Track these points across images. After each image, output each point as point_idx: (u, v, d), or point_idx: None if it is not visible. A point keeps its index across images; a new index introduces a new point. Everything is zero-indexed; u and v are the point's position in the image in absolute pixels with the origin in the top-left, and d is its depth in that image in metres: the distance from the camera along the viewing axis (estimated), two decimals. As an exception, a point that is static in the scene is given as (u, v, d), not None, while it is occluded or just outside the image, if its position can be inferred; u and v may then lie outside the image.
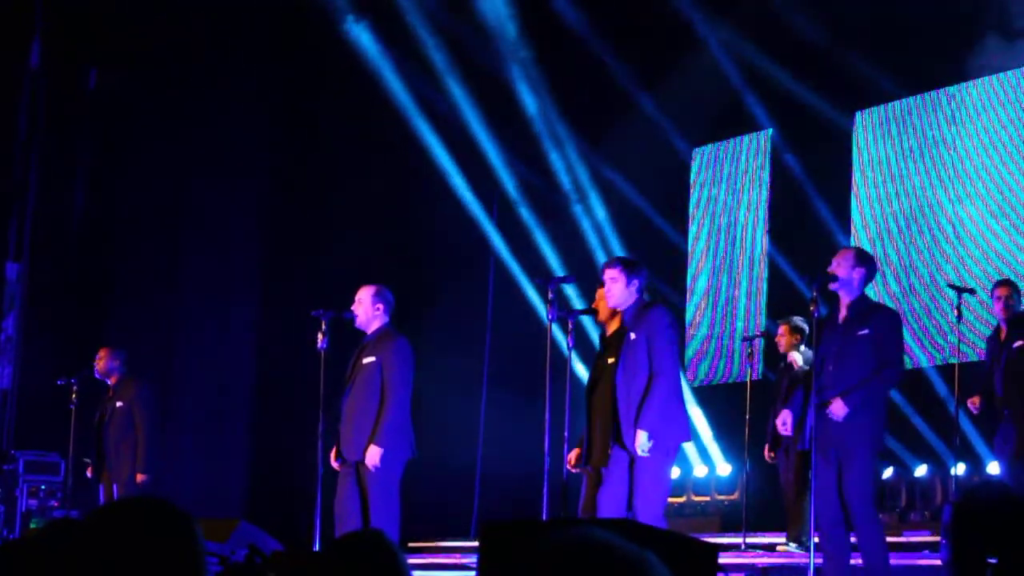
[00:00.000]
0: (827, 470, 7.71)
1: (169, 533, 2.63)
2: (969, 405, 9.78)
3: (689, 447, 14.65)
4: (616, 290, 7.96)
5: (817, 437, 7.71)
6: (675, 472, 14.37)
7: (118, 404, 11.51)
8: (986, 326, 11.94)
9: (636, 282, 7.96)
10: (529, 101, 15.24)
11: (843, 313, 7.86)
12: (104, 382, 11.78)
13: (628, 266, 8.04)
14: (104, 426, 11.53)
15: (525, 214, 15.56)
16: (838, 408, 7.59)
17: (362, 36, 15.26)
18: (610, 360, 7.93)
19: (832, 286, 7.84)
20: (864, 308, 7.87)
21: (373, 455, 8.50)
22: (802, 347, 10.96)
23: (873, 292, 8.44)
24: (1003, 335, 9.64)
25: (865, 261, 7.93)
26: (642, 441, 7.66)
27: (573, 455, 8.04)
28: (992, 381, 9.55)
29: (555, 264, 15.02)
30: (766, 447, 11.14)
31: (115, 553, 2.59)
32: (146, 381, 11.80)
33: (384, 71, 15.35)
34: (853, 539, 7.78)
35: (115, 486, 11.40)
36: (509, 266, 15.51)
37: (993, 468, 10.22)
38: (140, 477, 11.26)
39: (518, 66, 15.08)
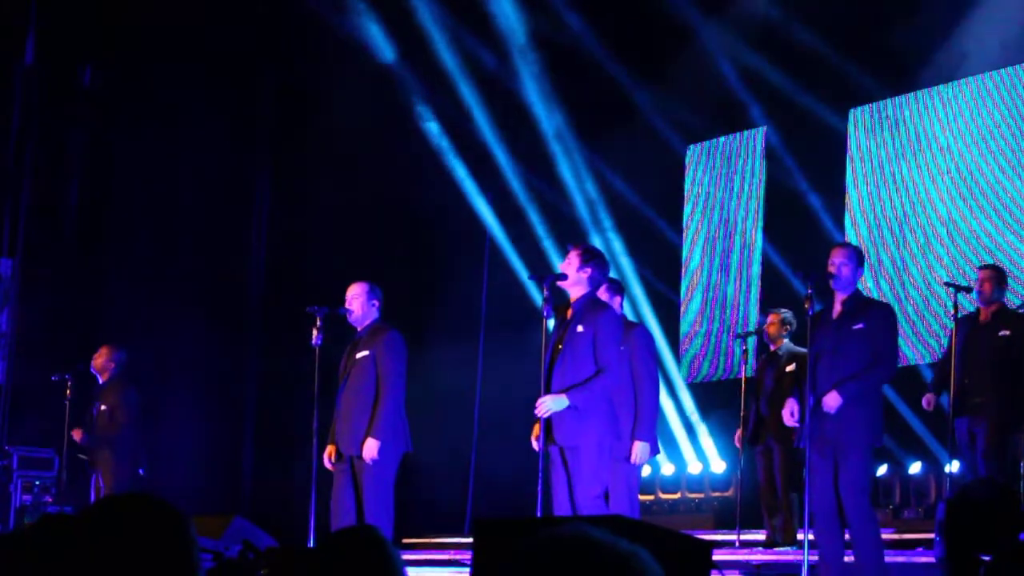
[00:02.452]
0: (823, 467, 7.71)
1: (161, 528, 2.63)
2: (924, 403, 9.79)
3: (684, 443, 14.66)
4: (569, 272, 7.97)
5: (813, 433, 7.73)
6: (669, 469, 14.38)
7: (102, 407, 11.57)
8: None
9: (588, 271, 7.94)
10: (529, 97, 15.24)
11: (837, 309, 7.88)
12: (96, 378, 11.79)
13: (584, 253, 8.02)
14: (92, 427, 11.60)
15: (524, 209, 15.57)
16: (832, 400, 7.61)
17: (362, 29, 15.26)
18: (558, 347, 7.96)
19: (833, 284, 7.87)
20: (859, 303, 7.89)
21: (371, 448, 8.50)
22: (786, 340, 11.05)
23: (864, 289, 8.43)
24: (983, 317, 9.61)
25: (863, 260, 8.01)
26: (557, 402, 7.70)
27: (536, 430, 8.02)
28: (958, 366, 9.51)
29: (552, 259, 15.02)
30: (738, 433, 11.17)
31: (108, 548, 2.59)
32: (132, 385, 11.78)
33: (384, 64, 15.35)
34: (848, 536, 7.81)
35: (103, 483, 11.44)
36: (506, 260, 15.52)
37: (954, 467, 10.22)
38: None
39: (520, 64, 15.08)
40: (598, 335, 7.82)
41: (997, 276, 9.74)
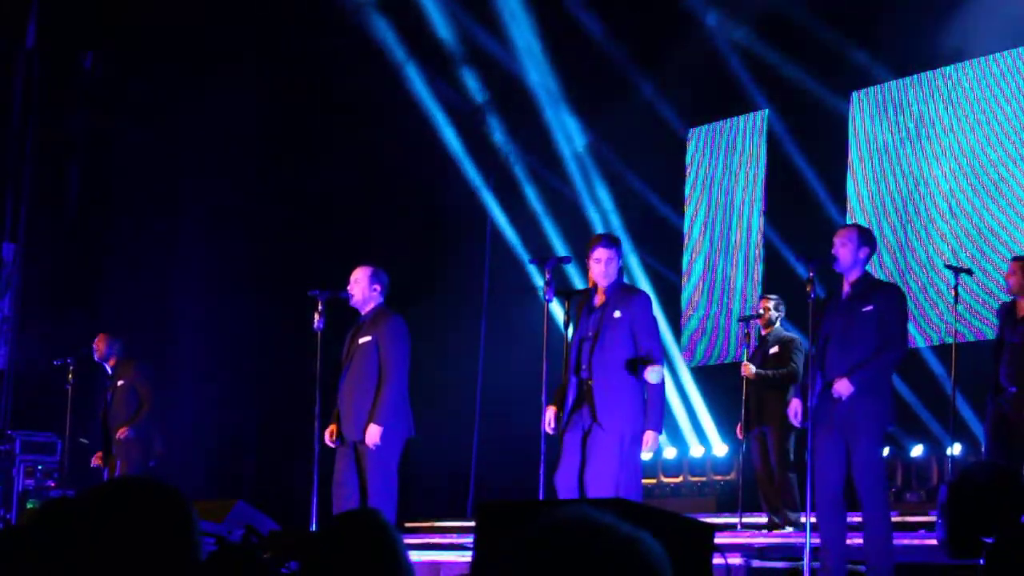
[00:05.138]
0: (828, 450, 7.70)
1: (163, 512, 2.64)
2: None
3: (686, 427, 14.67)
4: (611, 269, 8.16)
5: (821, 416, 7.71)
6: (671, 452, 14.41)
7: (119, 383, 11.56)
8: (983, 306, 11.95)
9: (620, 258, 8.28)
10: (531, 79, 15.23)
11: (846, 290, 7.86)
12: (102, 366, 11.81)
13: (616, 243, 8.32)
14: (108, 409, 11.57)
15: (524, 191, 15.57)
16: (843, 387, 7.59)
17: (363, 11, 15.25)
18: (589, 334, 8.04)
19: (834, 266, 7.85)
20: (868, 285, 7.87)
21: (373, 434, 8.51)
22: (778, 325, 11.12)
23: (870, 271, 8.40)
24: (1020, 311, 9.58)
25: (868, 240, 7.94)
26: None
27: (550, 413, 8.09)
28: (1000, 358, 9.52)
29: (554, 242, 15.02)
30: (739, 426, 11.23)
31: (109, 531, 2.59)
32: (142, 359, 11.85)
33: (385, 44, 15.32)
34: (850, 519, 7.81)
35: (119, 467, 11.43)
36: (507, 243, 15.52)
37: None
38: (123, 432, 11.30)
39: (522, 45, 15.05)
40: (636, 322, 8.05)
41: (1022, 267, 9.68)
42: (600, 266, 8.14)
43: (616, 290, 8.12)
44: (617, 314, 8.00)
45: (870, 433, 7.64)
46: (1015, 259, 9.87)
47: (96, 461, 11.72)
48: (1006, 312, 9.67)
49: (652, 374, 7.96)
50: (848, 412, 7.63)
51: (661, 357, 8.13)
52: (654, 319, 8.20)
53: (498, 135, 15.55)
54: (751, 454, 11.31)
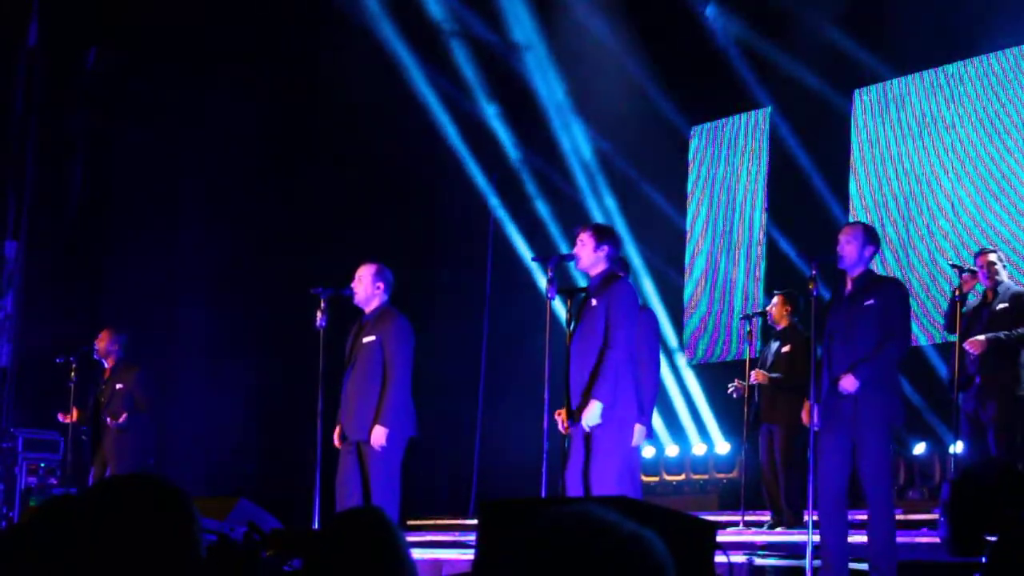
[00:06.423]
0: (833, 448, 7.69)
1: (164, 509, 2.64)
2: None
3: (688, 425, 14.66)
4: (584, 254, 8.05)
5: (828, 414, 7.71)
6: (674, 450, 14.40)
7: (117, 387, 11.56)
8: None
9: (605, 249, 8.03)
10: (533, 78, 15.22)
11: (849, 287, 7.87)
12: (101, 363, 11.81)
13: (598, 232, 8.12)
14: (102, 409, 11.58)
15: (526, 189, 15.57)
16: (848, 383, 7.60)
17: (363, 8, 15.25)
18: (572, 326, 8.00)
19: (840, 264, 7.85)
20: (870, 280, 7.87)
21: (378, 436, 8.50)
22: (791, 321, 11.11)
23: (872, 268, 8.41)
24: (989, 298, 9.74)
25: (873, 239, 7.94)
26: (593, 412, 7.71)
27: (562, 415, 8.05)
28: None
29: (556, 240, 15.01)
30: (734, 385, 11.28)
31: (110, 529, 2.59)
32: (145, 365, 11.86)
33: (386, 42, 15.32)
34: (851, 517, 7.81)
35: (108, 468, 11.44)
36: (509, 241, 15.52)
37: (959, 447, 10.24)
38: (112, 420, 11.37)
39: (524, 44, 15.05)
40: (610, 309, 7.86)
41: (997, 257, 9.81)
42: (577, 249, 8.10)
43: (599, 280, 8.02)
44: (594, 303, 7.95)
45: (877, 430, 7.64)
46: (988, 251, 9.97)
47: (64, 418, 11.78)
48: (976, 306, 9.78)
49: (589, 416, 7.73)
50: (855, 409, 7.63)
51: (618, 349, 7.79)
52: (628, 307, 7.91)
53: (504, 138, 15.54)
54: (759, 451, 11.29)
